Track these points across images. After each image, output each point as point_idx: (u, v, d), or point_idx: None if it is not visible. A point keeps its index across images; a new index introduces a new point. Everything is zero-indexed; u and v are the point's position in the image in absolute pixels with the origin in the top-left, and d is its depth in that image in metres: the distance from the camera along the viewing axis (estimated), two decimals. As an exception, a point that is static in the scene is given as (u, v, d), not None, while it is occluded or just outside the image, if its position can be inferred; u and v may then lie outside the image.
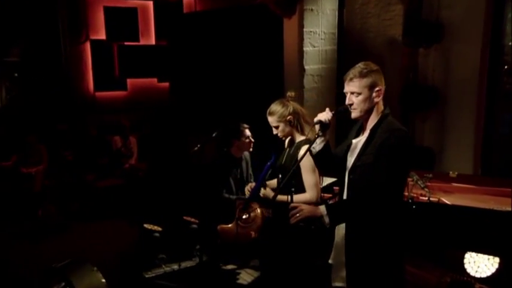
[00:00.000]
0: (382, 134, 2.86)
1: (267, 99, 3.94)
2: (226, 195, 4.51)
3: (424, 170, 4.80)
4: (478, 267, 4.66)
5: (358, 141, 3.00)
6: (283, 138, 3.77)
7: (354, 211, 2.84)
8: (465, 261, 4.70)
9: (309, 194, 3.65)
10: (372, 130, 2.91)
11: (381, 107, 2.94)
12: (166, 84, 9.76)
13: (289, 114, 3.66)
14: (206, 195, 4.48)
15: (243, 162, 4.66)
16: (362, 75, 2.85)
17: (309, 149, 3.00)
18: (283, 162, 3.78)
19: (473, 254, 4.64)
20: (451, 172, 5.00)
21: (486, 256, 4.60)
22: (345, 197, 3.00)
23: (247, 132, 4.52)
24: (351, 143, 3.04)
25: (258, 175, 3.91)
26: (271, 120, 3.69)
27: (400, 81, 6.40)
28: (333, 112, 2.93)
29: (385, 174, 2.77)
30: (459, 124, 6.06)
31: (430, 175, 4.63)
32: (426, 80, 6.35)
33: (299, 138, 3.73)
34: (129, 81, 9.63)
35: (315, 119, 2.96)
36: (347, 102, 2.88)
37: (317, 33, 6.66)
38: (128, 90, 9.65)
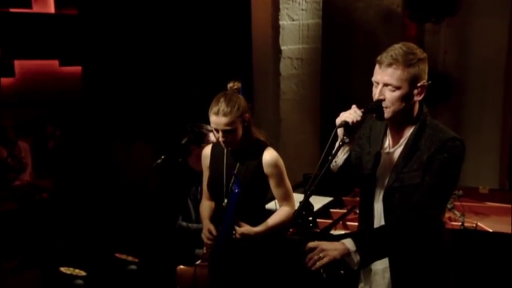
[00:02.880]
0: (429, 144, 2.77)
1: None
2: (184, 224, 4.32)
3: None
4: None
5: (391, 153, 2.89)
6: (229, 148, 3.60)
7: (397, 243, 2.77)
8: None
9: (290, 206, 3.58)
10: (413, 139, 2.81)
11: (417, 106, 2.84)
12: (76, 69, 9.20)
13: (245, 111, 3.53)
14: (152, 223, 4.58)
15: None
16: (407, 63, 2.70)
17: (329, 164, 2.75)
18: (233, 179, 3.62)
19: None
20: (481, 187, 4.92)
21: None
22: (377, 225, 2.91)
23: (213, 136, 4.25)
24: (377, 154, 2.93)
25: (222, 212, 3.67)
26: (225, 122, 3.49)
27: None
28: (363, 110, 2.74)
29: (436, 195, 2.73)
30: (480, 123, 6.01)
31: (461, 192, 4.51)
32: (435, 64, 6.23)
33: (248, 141, 3.59)
34: (16, 63, 8.87)
35: (338, 120, 2.75)
36: (377, 96, 2.74)
37: (297, 2, 6.54)
38: (15, 77, 8.87)
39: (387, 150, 2.91)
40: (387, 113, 2.78)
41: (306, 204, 2.79)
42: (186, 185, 4.42)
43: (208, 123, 4.21)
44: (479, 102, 6.02)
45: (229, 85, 3.71)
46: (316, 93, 6.60)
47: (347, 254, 2.70)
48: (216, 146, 3.74)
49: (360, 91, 6.37)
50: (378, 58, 2.76)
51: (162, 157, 4.14)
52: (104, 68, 8.30)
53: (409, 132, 2.84)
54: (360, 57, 6.50)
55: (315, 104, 6.29)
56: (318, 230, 3.52)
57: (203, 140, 4.33)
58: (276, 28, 6.40)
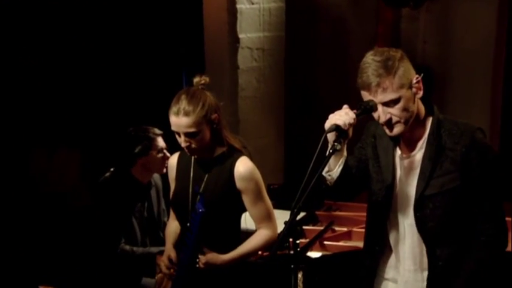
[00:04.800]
0: (456, 138, 2.81)
1: (174, 89, 3.86)
2: (127, 248, 4.27)
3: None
4: None
5: (411, 158, 2.93)
6: (194, 156, 3.56)
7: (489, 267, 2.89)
8: None
9: (269, 229, 3.52)
10: (434, 138, 2.86)
11: (421, 104, 2.91)
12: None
13: (213, 111, 3.47)
14: (87, 247, 4.54)
15: (152, 190, 4.49)
16: (391, 71, 2.75)
17: (317, 177, 2.74)
18: (201, 191, 3.57)
19: None
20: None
21: None
22: (401, 245, 3.00)
23: (161, 142, 4.37)
24: (391, 162, 2.96)
25: (184, 236, 3.65)
26: (187, 123, 3.43)
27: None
28: (356, 111, 2.78)
29: (497, 196, 2.83)
30: (465, 119, 5.67)
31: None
32: (414, 56, 5.71)
33: (218, 149, 3.54)
34: None
35: (328, 124, 2.78)
36: (384, 118, 2.80)
37: (257, -18, 6.51)
38: None
39: (404, 157, 2.93)
40: (400, 127, 2.80)
41: (293, 225, 2.77)
42: (130, 200, 4.36)
43: (154, 125, 4.37)
44: (465, 98, 5.96)
45: (195, 80, 3.60)
46: (280, 90, 6.55)
47: None
48: (184, 154, 3.66)
49: (326, 86, 6.42)
50: (359, 83, 2.78)
51: (111, 169, 4.22)
52: (19, 59, 7.61)
53: (425, 133, 2.88)
54: (327, 47, 6.40)
55: (278, 102, 6.22)
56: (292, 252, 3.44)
57: (150, 147, 4.32)
58: (232, 13, 6.23)
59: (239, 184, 3.31)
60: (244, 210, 3.53)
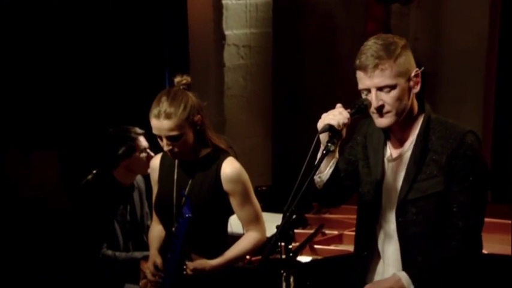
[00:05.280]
0: (443, 142, 2.80)
1: (157, 87, 3.76)
2: (109, 253, 4.22)
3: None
4: None
5: (397, 160, 2.91)
6: (177, 159, 3.56)
7: (454, 276, 2.86)
8: None
9: (258, 231, 3.51)
10: (422, 139, 2.84)
11: (416, 101, 2.90)
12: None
13: (196, 112, 3.45)
14: (66, 253, 4.55)
15: (135, 192, 4.43)
16: (392, 56, 2.74)
17: (310, 179, 2.72)
18: (187, 192, 3.54)
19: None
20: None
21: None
22: (386, 251, 2.98)
23: (143, 141, 4.32)
24: (379, 164, 2.95)
25: (172, 241, 3.62)
26: (168, 126, 3.41)
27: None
28: (350, 110, 2.77)
29: (478, 212, 2.81)
30: (457, 120, 5.81)
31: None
32: None
33: (203, 151, 3.52)
34: None
35: (321, 124, 2.77)
36: (376, 103, 2.77)
37: (243, -25, 6.55)
38: None
39: (391, 158, 2.92)
40: (390, 118, 2.78)
41: (284, 229, 2.74)
42: (112, 203, 4.30)
43: (136, 125, 4.32)
44: (457, 99, 5.96)
45: (176, 80, 3.57)
46: (268, 89, 6.55)
47: None
48: (166, 155, 3.63)
49: (314, 84, 6.36)
50: (357, 63, 2.77)
51: (94, 172, 4.18)
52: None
53: (415, 133, 2.86)
54: (315, 44, 6.38)
55: (266, 101, 6.20)
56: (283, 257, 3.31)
57: (134, 148, 4.28)
58: (218, 9, 6.26)
59: (226, 186, 3.28)
60: (231, 213, 3.51)
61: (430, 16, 6.10)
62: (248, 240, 3.51)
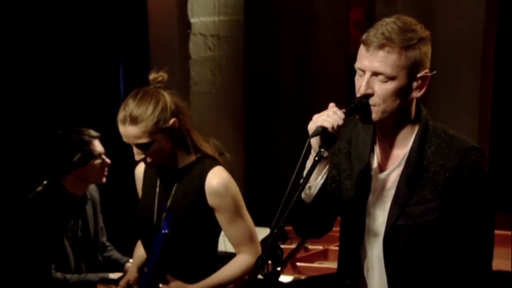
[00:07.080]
0: (441, 159, 2.73)
1: (109, 82, 4.11)
2: (58, 276, 4.27)
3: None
4: None
5: (386, 177, 2.84)
6: (154, 169, 3.54)
7: None
8: None
9: (249, 253, 3.44)
10: (416, 155, 2.76)
11: (415, 106, 2.85)
12: None
13: (171, 115, 3.38)
14: (7, 276, 4.44)
15: (87, 205, 4.48)
16: (406, 44, 2.64)
17: (301, 190, 2.68)
18: (168, 205, 3.51)
19: None
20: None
21: None
22: (371, 279, 2.93)
23: (98, 146, 4.36)
24: (363, 177, 2.90)
25: (147, 260, 3.61)
26: (134, 133, 3.35)
27: (345, 50, 6.35)
28: (345, 110, 2.68)
29: (487, 249, 2.77)
30: (451, 121, 5.75)
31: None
32: None
33: (185, 158, 3.47)
34: None
35: (312, 126, 2.68)
36: (363, 89, 2.68)
37: (210, -45, 6.47)
38: None
39: (379, 171, 2.82)
40: (375, 113, 2.68)
41: (272, 248, 2.62)
42: (61, 218, 4.34)
43: (86, 126, 4.35)
44: (450, 94, 5.92)
45: (151, 77, 3.47)
46: (239, 84, 6.52)
47: None
48: None
49: (290, 79, 6.36)
50: (364, 37, 2.65)
51: (44, 182, 4.07)
52: None
53: (408, 145, 2.77)
54: (291, 33, 6.38)
55: (237, 98, 6.18)
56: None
57: (92, 154, 4.28)
58: None
59: (211, 200, 3.18)
60: (220, 230, 3.44)
61: (419, 2, 6.08)
62: (237, 264, 3.43)
